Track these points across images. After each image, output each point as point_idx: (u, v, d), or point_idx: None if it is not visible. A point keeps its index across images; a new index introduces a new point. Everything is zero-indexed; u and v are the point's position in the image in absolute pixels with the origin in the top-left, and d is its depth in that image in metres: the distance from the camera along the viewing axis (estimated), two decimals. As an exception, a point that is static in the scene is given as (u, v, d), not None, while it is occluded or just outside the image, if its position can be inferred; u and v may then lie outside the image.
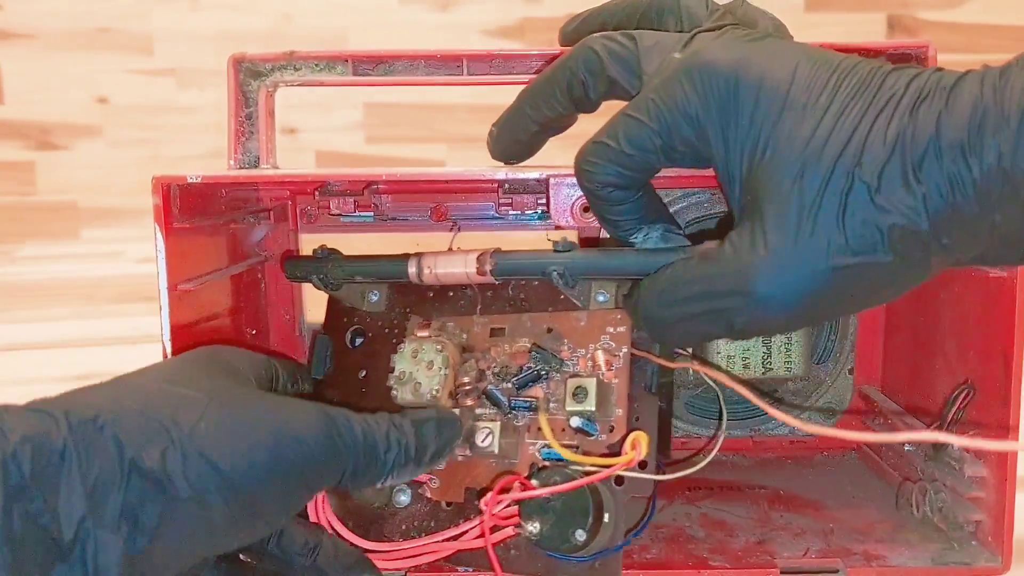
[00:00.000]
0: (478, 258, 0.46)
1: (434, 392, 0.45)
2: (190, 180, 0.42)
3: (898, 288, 0.36)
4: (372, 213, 0.62)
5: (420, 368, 0.45)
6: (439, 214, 0.65)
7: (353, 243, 0.65)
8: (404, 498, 0.47)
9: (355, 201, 0.60)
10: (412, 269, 0.47)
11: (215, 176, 0.44)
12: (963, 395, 0.47)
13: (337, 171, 0.47)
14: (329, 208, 0.60)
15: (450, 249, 0.49)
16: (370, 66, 0.53)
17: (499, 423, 0.46)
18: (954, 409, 0.47)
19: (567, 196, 0.46)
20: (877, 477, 0.59)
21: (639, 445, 0.42)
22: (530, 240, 0.67)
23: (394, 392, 0.45)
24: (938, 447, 0.49)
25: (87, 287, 0.76)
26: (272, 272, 0.62)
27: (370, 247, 0.65)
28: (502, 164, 0.48)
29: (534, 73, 0.54)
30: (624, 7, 0.48)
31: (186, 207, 0.45)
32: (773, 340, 0.56)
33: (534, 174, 0.46)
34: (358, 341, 0.51)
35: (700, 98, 0.37)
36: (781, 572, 0.46)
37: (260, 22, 0.70)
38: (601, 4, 0.50)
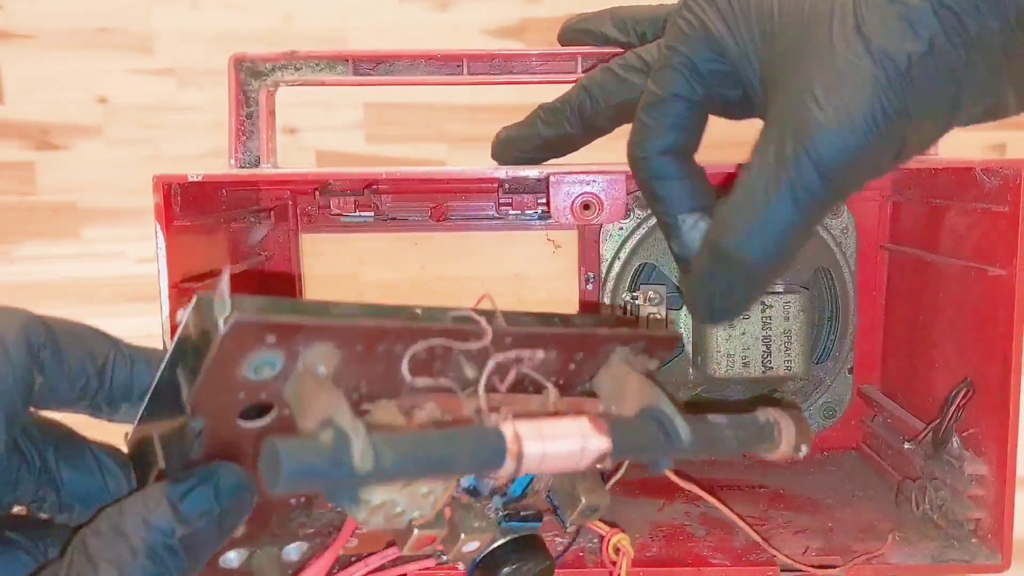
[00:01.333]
0: (595, 460, 0.31)
1: (419, 515, 0.32)
2: (191, 179, 0.42)
3: (958, 90, 0.33)
4: (372, 213, 0.62)
5: (408, 496, 0.31)
6: (439, 214, 0.65)
7: (353, 243, 0.65)
8: (295, 556, 0.37)
9: (355, 201, 0.60)
10: (512, 456, 0.29)
11: (216, 175, 0.44)
12: (962, 394, 0.47)
13: (337, 170, 0.47)
14: (329, 208, 0.60)
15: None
16: (370, 66, 0.53)
17: (490, 535, 0.37)
18: (953, 408, 0.47)
19: (567, 194, 0.46)
20: (877, 476, 0.59)
21: (626, 550, 0.44)
22: (530, 239, 0.67)
23: (362, 521, 0.31)
24: (938, 445, 0.49)
25: (87, 287, 0.75)
26: (272, 272, 0.62)
27: (369, 248, 0.65)
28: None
29: (534, 73, 0.54)
30: (627, 16, 0.49)
31: (187, 206, 0.45)
32: (773, 338, 0.56)
33: (534, 172, 0.47)
34: (254, 417, 0.31)
35: (696, 16, 0.38)
36: (781, 570, 0.47)
37: (261, 22, 0.70)
38: (604, 9, 0.50)
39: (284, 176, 0.47)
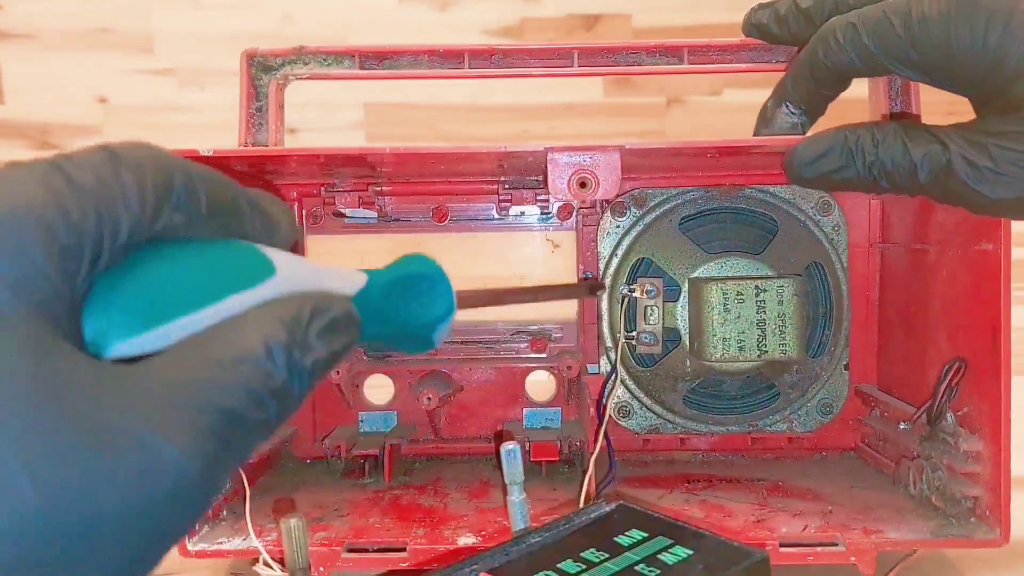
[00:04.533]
0: None
1: None
2: (202, 153, 0.43)
3: None
4: (376, 213, 0.63)
5: None
6: (441, 214, 0.66)
7: (357, 244, 0.66)
8: None
9: (359, 197, 0.61)
10: None
11: (226, 151, 0.45)
12: (954, 370, 0.48)
13: (342, 148, 0.48)
14: (335, 205, 0.61)
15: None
16: (375, 61, 0.54)
17: None
18: (945, 384, 0.48)
19: (564, 170, 0.47)
20: (876, 472, 0.59)
21: None
22: (530, 239, 0.68)
23: None
24: (933, 422, 0.50)
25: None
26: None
27: (372, 249, 0.66)
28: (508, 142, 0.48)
29: (534, 70, 0.55)
30: None
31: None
32: (768, 322, 0.57)
33: (532, 146, 0.47)
34: None
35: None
36: (780, 544, 0.47)
37: (261, 22, 0.71)
38: None
39: (290, 152, 0.47)
